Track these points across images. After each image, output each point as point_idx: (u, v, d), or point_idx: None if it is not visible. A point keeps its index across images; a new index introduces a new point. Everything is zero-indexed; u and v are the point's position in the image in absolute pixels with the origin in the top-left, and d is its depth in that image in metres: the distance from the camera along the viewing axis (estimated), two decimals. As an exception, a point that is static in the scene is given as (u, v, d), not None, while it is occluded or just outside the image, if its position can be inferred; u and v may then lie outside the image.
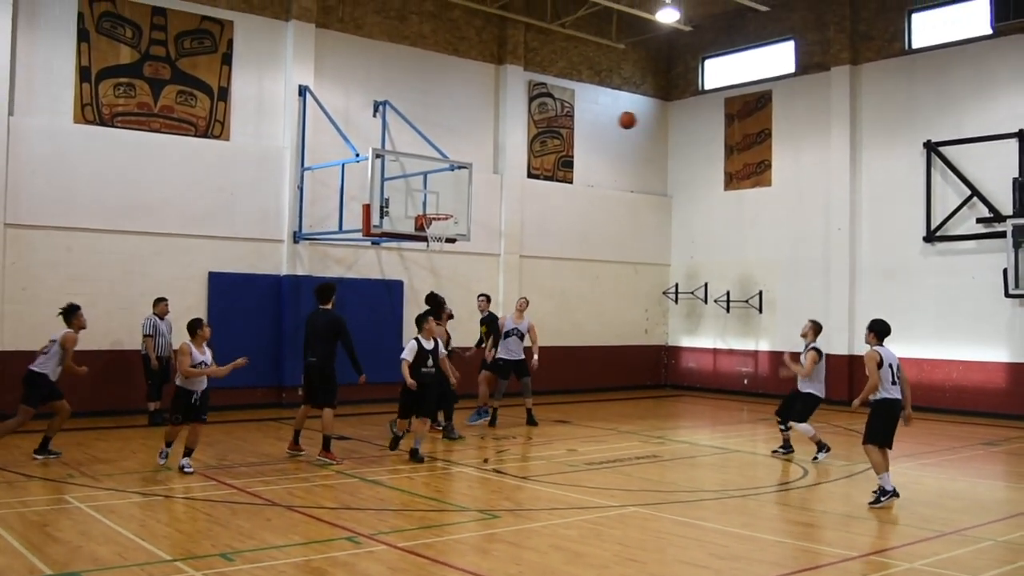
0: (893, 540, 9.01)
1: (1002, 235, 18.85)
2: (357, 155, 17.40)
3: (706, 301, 24.65)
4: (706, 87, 25.38)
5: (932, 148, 20.39)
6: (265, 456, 12.94)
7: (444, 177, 17.71)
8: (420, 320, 13.15)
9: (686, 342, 25.33)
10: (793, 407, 13.51)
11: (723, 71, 25.10)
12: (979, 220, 19.59)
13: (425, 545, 8.34)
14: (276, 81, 18.92)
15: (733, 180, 24.45)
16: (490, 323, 16.66)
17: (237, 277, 18.08)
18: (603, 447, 14.53)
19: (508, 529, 9.15)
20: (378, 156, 16.77)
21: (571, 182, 23.81)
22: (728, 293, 24.06)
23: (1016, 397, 18.90)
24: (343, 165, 18.10)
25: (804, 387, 13.42)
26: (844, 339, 21.56)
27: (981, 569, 7.98)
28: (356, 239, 18.45)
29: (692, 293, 24.97)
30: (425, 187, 17.82)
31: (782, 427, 13.86)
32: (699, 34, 24.68)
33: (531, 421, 16.64)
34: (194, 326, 11.73)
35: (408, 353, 12.76)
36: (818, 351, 13.38)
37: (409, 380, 12.55)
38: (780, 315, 23.13)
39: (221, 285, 17.87)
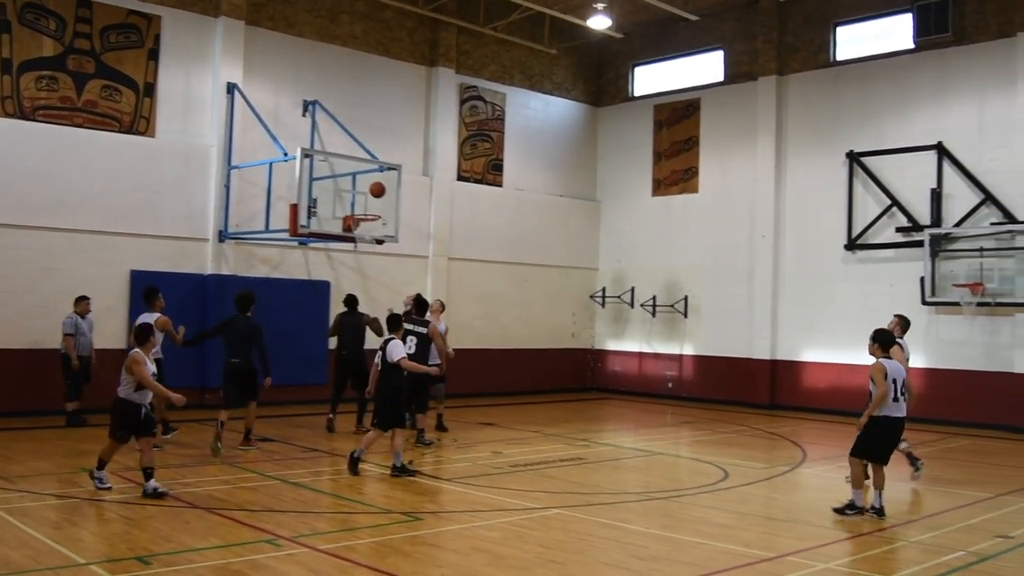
0: (810, 541, 9.18)
1: (920, 244, 19.33)
2: (285, 154, 17.21)
3: (632, 305, 24.88)
4: (636, 94, 25.62)
5: (854, 158, 20.85)
6: (186, 457, 12.74)
7: (373, 178, 17.60)
8: (398, 321, 12.42)
9: (612, 346, 25.53)
10: None
11: (653, 78, 25.37)
12: (898, 229, 20.07)
13: (347, 547, 8.30)
14: (204, 78, 18.64)
15: (661, 186, 24.72)
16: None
17: (160, 276, 17.70)
18: (528, 449, 14.58)
19: (430, 531, 9.17)
20: (306, 156, 16.59)
21: (501, 185, 23.85)
22: (654, 298, 24.31)
23: (932, 402, 19.30)
24: (271, 164, 17.94)
25: None
26: (767, 345, 21.98)
27: (894, 569, 8.24)
28: (283, 239, 18.28)
29: (619, 297, 25.19)
30: (354, 188, 17.67)
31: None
32: (630, 41, 24.92)
33: (441, 427, 16.17)
34: (146, 333, 10.55)
35: (404, 349, 12.16)
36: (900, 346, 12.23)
37: (431, 368, 13.19)
38: (705, 320, 23.45)
39: (144, 283, 17.47)
